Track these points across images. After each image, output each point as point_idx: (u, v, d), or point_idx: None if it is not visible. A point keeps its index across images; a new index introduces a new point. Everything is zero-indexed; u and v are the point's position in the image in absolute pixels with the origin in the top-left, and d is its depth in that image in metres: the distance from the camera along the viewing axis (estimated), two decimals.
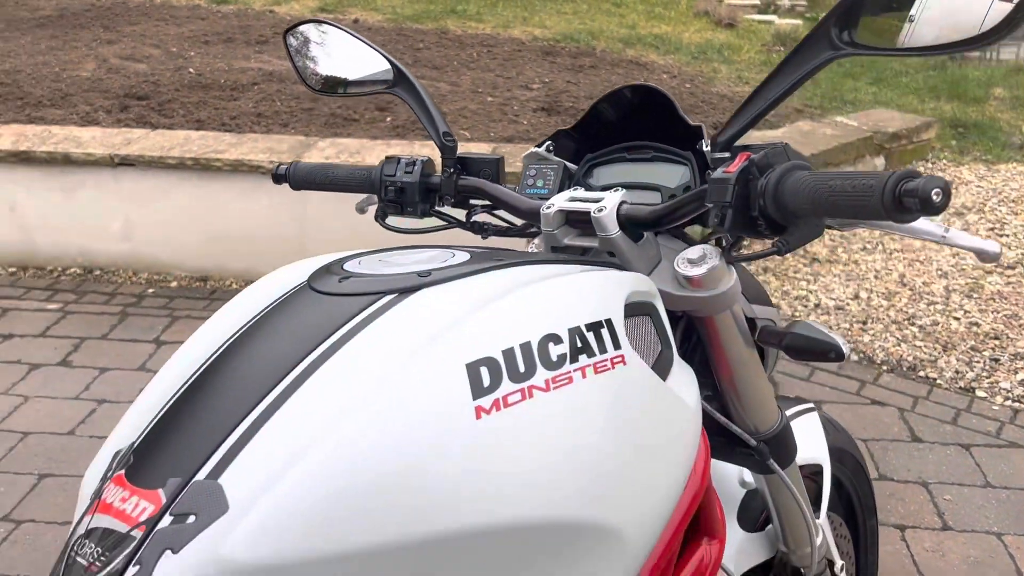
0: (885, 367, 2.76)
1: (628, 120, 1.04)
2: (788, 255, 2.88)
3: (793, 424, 1.29)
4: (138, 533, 0.58)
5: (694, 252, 0.89)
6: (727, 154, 0.84)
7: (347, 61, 1.14)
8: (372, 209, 1.15)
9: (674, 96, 1.00)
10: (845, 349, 0.97)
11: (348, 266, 0.77)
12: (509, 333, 0.65)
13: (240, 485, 0.57)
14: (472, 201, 1.09)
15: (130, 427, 0.69)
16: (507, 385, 0.63)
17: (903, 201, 0.64)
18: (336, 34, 1.13)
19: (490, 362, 0.63)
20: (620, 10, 6.95)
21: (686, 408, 0.79)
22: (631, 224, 0.89)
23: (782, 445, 1.07)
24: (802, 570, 1.24)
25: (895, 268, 3.40)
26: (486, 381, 0.63)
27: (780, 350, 1.11)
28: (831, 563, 1.30)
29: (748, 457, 1.07)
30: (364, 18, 5.93)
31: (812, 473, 1.28)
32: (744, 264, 1.08)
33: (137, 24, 5.51)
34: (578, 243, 0.93)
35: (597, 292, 0.73)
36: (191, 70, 4.50)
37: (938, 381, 2.69)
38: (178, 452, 0.62)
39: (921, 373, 2.73)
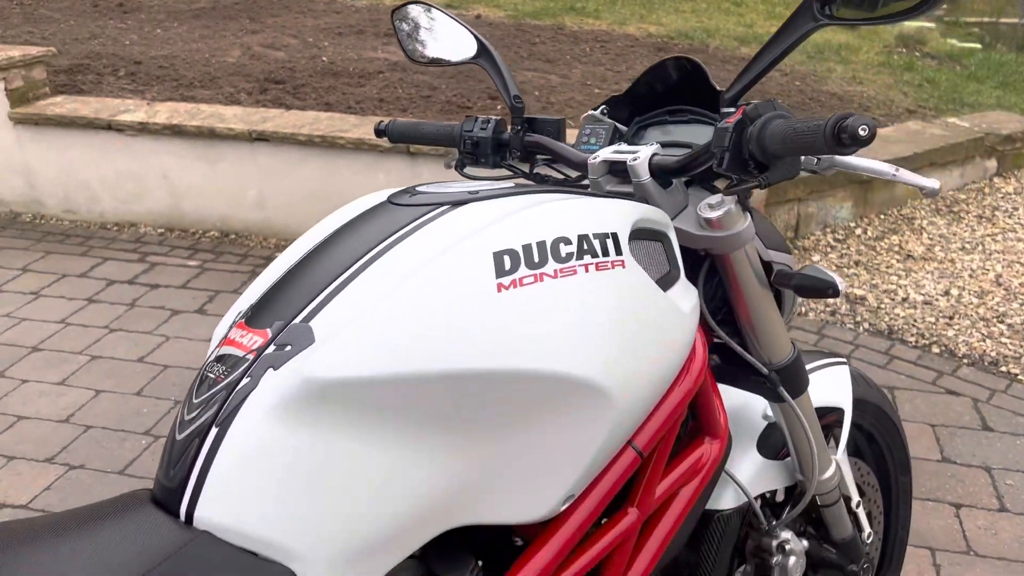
0: (966, 360, 2.80)
1: (671, 88, 1.22)
2: (877, 250, 2.90)
3: (820, 372, 1.44)
4: (250, 356, 0.82)
5: (714, 199, 1.07)
6: (732, 109, 1.02)
7: (441, 36, 1.36)
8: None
9: (707, 66, 1.18)
10: (841, 286, 1.12)
11: (420, 188, 0.99)
12: (529, 233, 0.86)
13: (324, 327, 0.80)
14: (537, 156, 1.30)
15: (249, 295, 0.94)
16: (523, 271, 0.84)
17: (840, 137, 0.81)
18: (434, 13, 1.35)
19: (511, 253, 0.84)
20: (739, 9, 6.98)
21: (681, 316, 0.97)
22: (660, 172, 1.08)
23: (792, 376, 1.23)
24: (817, 499, 1.39)
25: (992, 268, 3.39)
26: (507, 266, 0.83)
27: (796, 296, 1.28)
28: (847, 499, 1.43)
29: (761, 385, 1.24)
30: (486, 14, 6.21)
31: (833, 415, 1.41)
32: (762, 213, 1.24)
33: (279, 16, 5.97)
34: (618, 189, 1.12)
35: (608, 212, 0.93)
36: (324, 58, 4.88)
37: (1019, 376, 2.70)
38: (282, 305, 0.85)
39: (1003, 368, 2.75)
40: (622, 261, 0.91)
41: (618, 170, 1.11)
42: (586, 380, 0.85)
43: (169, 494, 0.79)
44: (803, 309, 3.10)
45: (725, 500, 1.31)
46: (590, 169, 1.13)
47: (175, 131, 3.66)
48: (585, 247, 0.88)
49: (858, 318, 3.06)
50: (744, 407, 1.38)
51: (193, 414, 0.81)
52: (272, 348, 0.81)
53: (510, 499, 0.86)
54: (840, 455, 1.40)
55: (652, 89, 1.24)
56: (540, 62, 4.97)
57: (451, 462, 0.82)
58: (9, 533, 0.75)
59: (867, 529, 1.48)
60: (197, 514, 0.76)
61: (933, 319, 3.05)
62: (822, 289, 1.13)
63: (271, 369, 0.79)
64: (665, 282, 0.99)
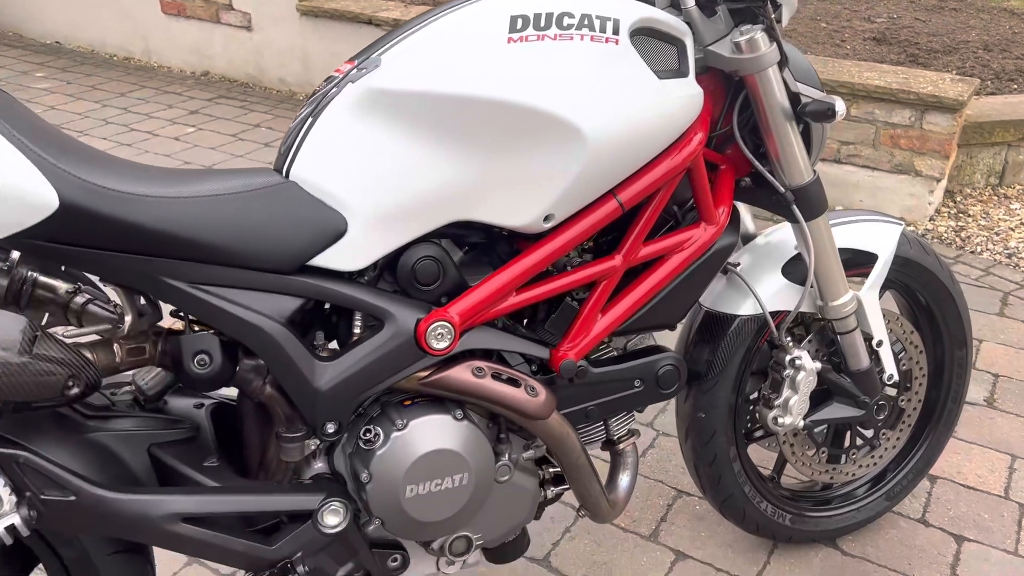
0: None
1: None
2: None
3: (868, 224, 1.59)
4: (339, 75, 1.18)
5: (745, 28, 1.30)
6: None
7: None
8: None
9: None
10: (839, 107, 1.31)
11: None
12: (543, 4, 1.14)
13: (389, 59, 1.15)
14: None
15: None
16: (530, 31, 1.14)
17: None
18: None
19: (524, 17, 1.14)
20: None
21: (670, 101, 1.22)
22: (699, 2, 1.30)
23: (807, 198, 1.42)
24: (833, 325, 1.55)
25: None
26: (518, 26, 1.14)
27: (825, 133, 1.45)
28: (868, 336, 1.58)
29: (778, 204, 1.43)
30: None
31: (866, 259, 1.56)
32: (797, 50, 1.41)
33: None
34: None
35: (616, 3, 1.18)
36: None
37: None
38: (373, 47, 1.20)
39: None
40: (616, 40, 1.17)
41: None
42: (563, 119, 1.14)
43: (280, 159, 1.18)
44: (978, 249, 3.03)
45: (743, 307, 1.53)
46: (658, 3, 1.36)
47: None
48: (586, 23, 1.16)
49: None
50: (780, 237, 1.57)
51: (301, 110, 1.20)
52: (354, 71, 1.17)
53: (500, 206, 1.18)
54: (864, 293, 1.55)
55: None
56: None
57: (458, 168, 1.15)
58: (166, 173, 1.16)
59: (889, 371, 1.61)
60: (291, 172, 1.15)
61: None
62: (824, 112, 1.32)
63: (350, 83, 1.15)
64: (666, 74, 1.23)
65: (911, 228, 1.65)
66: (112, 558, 1.18)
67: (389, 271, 1.22)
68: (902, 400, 1.73)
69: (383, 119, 1.13)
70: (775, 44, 1.32)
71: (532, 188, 1.18)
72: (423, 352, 1.19)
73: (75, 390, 1.02)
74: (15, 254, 1.07)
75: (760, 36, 1.29)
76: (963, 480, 1.98)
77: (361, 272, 1.20)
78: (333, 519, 1.20)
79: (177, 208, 1.07)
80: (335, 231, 1.14)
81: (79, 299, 1.12)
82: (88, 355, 1.06)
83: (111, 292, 1.14)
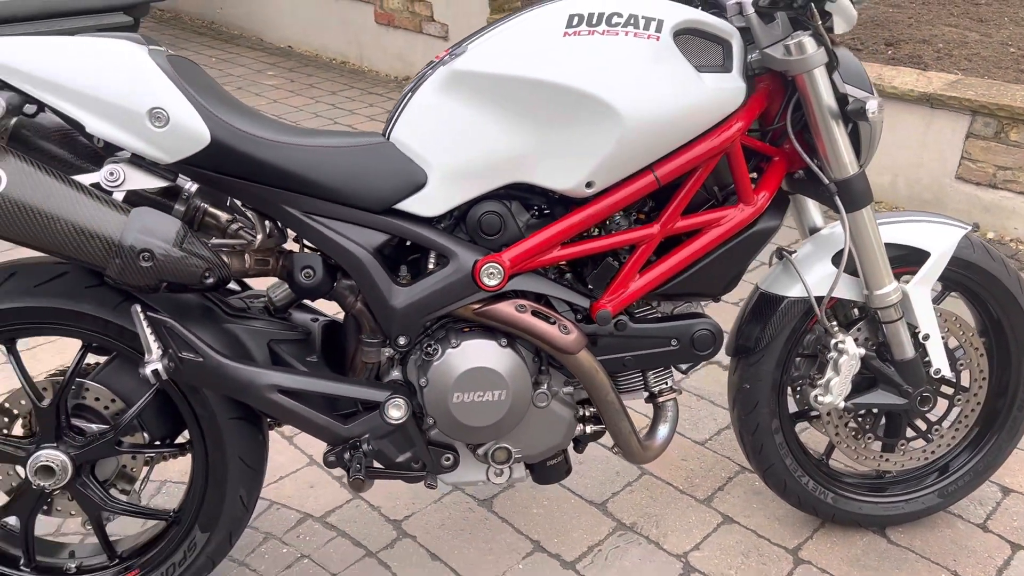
0: None
1: None
2: None
3: (921, 225, 1.69)
4: (436, 60, 1.48)
5: (796, 33, 1.47)
6: None
7: None
8: None
9: None
10: (869, 106, 1.45)
11: None
12: (598, 5, 1.39)
13: (471, 48, 1.43)
14: None
15: None
16: (583, 28, 1.39)
17: None
18: None
19: (579, 16, 1.39)
20: None
21: (708, 91, 1.42)
22: (762, 7, 1.49)
23: (851, 190, 1.55)
24: (878, 313, 1.66)
25: None
26: (574, 23, 1.39)
27: (876, 133, 1.58)
28: (916, 329, 1.67)
29: (823, 194, 1.58)
30: None
31: (917, 256, 1.65)
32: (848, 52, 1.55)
33: None
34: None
35: (662, 5, 1.40)
36: None
37: None
38: (461, 42, 1.49)
39: None
40: (658, 37, 1.39)
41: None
42: (602, 100, 1.38)
43: (386, 124, 1.50)
44: None
45: (792, 290, 1.68)
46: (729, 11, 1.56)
47: None
48: (631, 22, 1.39)
49: None
50: (839, 230, 1.69)
51: (407, 87, 1.51)
52: (447, 56, 1.47)
53: (550, 171, 1.43)
54: (912, 287, 1.65)
55: None
56: (971, 20, 4.82)
57: (516, 137, 1.41)
58: (295, 128, 1.51)
59: (937, 365, 1.69)
60: (391, 134, 1.46)
61: None
62: (858, 111, 1.47)
63: (442, 66, 1.45)
64: (707, 68, 1.43)
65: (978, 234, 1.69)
66: (232, 422, 1.54)
67: (461, 221, 1.50)
68: (958, 399, 1.79)
69: (462, 95, 1.42)
70: (823, 48, 1.47)
71: (575, 157, 1.42)
72: (477, 287, 1.46)
73: (210, 280, 1.38)
74: (192, 187, 1.45)
75: (807, 40, 1.46)
76: None
77: (438, 219, 1.49)
78: (396, 412, 1.49)
79: (298, 153, 1.41)
80: (417, 183, 1.44)
81: (233, 226, 1.48)
82: (224, 258, 1.42)
83: (252, 216, 1.50)
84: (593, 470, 2.07)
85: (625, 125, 1.40)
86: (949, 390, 1.79)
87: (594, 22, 1.40)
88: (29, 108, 1.38)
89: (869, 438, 1.79)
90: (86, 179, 1.35)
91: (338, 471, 2.01)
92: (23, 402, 1.54)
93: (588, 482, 2.03)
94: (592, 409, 1.63)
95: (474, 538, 1.87)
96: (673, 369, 1.69)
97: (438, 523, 1.91)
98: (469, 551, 1.84)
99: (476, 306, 1.48)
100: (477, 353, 1.49)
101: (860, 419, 1.79)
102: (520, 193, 1.49)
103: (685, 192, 1.50)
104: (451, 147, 1.43)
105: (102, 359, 1.57)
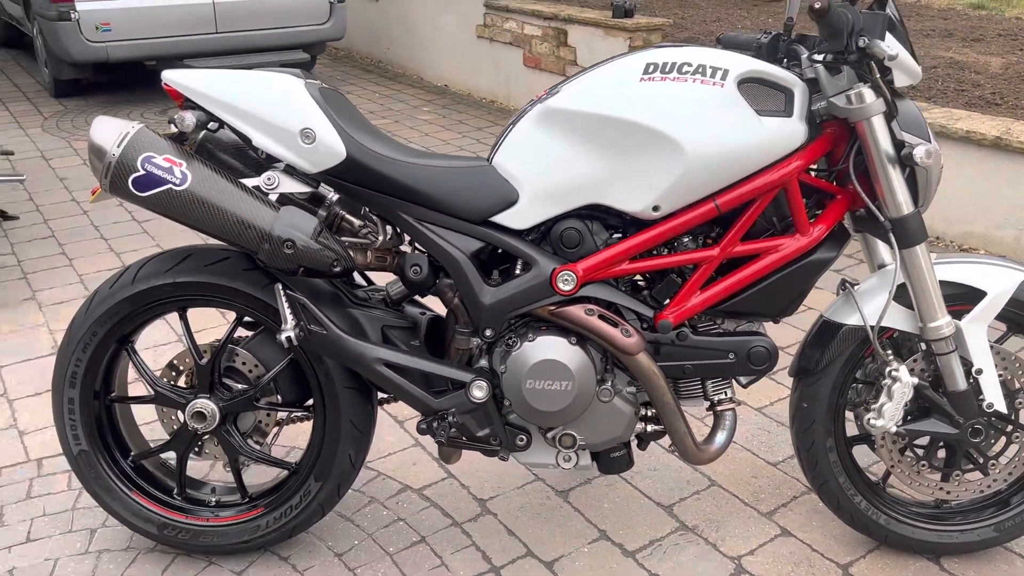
0: None
1: None
2: None
3: (981, 267, 1.80)
4: (536, 99, 1.75)
5: (857, 85, 1.66)
6: None
7: None
8: None
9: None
10: (916, 153, 1.60)
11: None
12: (673, 55, 1.62)
13: (564, 89, 1.70)
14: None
15: None
16: (657, 75, 1.63)
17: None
18: None
19: (655, 64, 1.63)
20: None
21: (766, 132, 1.62)
22: (825, 64, 1.68)
23: (905, 229, 1.70)
24: (932, 346, 1.77)
25: None
26: (650, 71, 1.63)
27: (934, 178, 1.72)
28: (969, 363, 1.77)
29: (880, 231, 1.73)
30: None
31: (974, 295, 1.76)
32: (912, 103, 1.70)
33: None
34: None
35: (729, 57, 1.62)
36: None
37: None
38: (557, 84, 1.76)
39: None
40: (722, 84, 1.61)
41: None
42: (668, 135, 1.61)
43: (491, 151, 1.78)
44: None
45: (850, 319, 1.83)
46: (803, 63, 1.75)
47: None
48: (699, 71, 1.62)
49: None
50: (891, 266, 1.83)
51: (510, 120, 1.79)
52: (545, 95, 1.74)
53: (622, 195, 1.67)
54: (967, 323, 1.76)
55: None
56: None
57: (594, 164, 1.66)
58: (417, 151, 1.83)
59: (989, 400, 1.78)
60: (493, 159, 1.75)
61: None
62: (909, 156, 1.62)
63: (539, 103, 1.73)
64: (768, 112, 1.63)
65: None
66: (347, 390, 1.84)
67: (546, 235, 1.76)
68: (1016, 436, 1.86)
69: (552, 128, 1.68)
70: (881, 99, 1.64)
71: (644, 184, 1.65)
72: (552, 291, 1.71)
73: (337, 268, 1.69)
74: (334, 197, 1.78)
75: (867, 91, 1.63)
76: None
77: (527, 232, 1.75)
78: (478, 392, 1.76)
79: (415, 170, 1.72)
80: (510, 200, 1.72)
81: (364, 230, 1.80)
82: (351, 253, 1.74)
83: (376, 220, 1.81)
84: (665, 476, 2.25)
85: (688, 158, 1.62)
86: (1007, 426, 1.87)
87: (667, 70, 1.63)
88: (212, 125, 1.76)
89: (924, 465, 1.89)
90: (250, 182, 1.71)
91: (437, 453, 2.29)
92: (188, 360, 1.91)
93: (659, 486, 2.21)
94: (653, 410, 1.84)
95: (548, 521, 2.10)
96: (734, 382, 1.87)
97: (518, 505, 2.15)
98: (541, 531, 2.06)
99: (552, 308, 1.73)
100: (549, 348, 1.73)
101: (915, 447, 1.89)
102: (597, 213, 1.73)
103: (744, 220, 1.69)
104: (541, 171, 1.70)
105: (249, 333, 1.93)
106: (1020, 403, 1.85)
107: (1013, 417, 1.86)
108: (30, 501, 2.18)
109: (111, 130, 1.66)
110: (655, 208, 1.67)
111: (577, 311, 1.72)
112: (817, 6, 1.45)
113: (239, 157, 1.81)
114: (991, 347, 1.82)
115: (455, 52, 6.77)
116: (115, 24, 5.91)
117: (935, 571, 1.94)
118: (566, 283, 1.71)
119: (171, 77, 1.73)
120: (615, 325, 1.71)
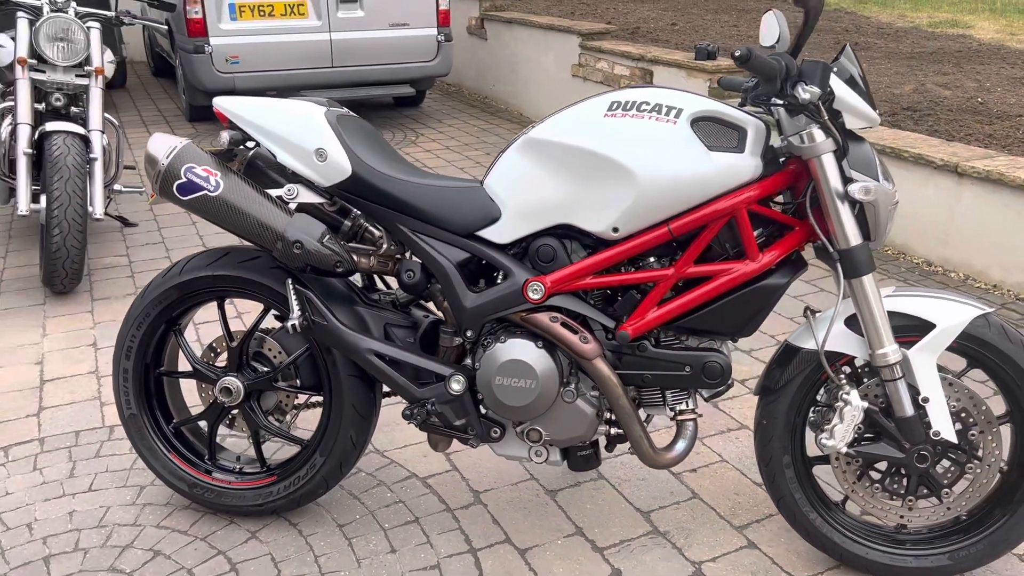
0: None
1: None
2: None
3: (934, 301, 1.90)
4: (522, 131, 2.00)
5: (810, 125, 1.82)
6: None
7: None
8: None
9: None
10: (852, 189, 1.74)
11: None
12: (635, 96, 1.83)
13: (540, 123, 1.93)
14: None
15: None
16: (619, 111, 1.84)
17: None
18: None
19: (618, 102, 1.84)
20: None
21: (715, 166, 1.79)
22: (785, 106, 1.84)
23: (852, 260, 1.83)
24: (881, 372, 1.88)
25: None
26: (613, 108, 1.84)
27: (884, 214, 1.84)
28: (916, 390, 1.86)
29: (830, 260, 1.86)
30: None
31: (923, 326, 1.85)
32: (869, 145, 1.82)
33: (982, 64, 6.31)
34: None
35: (683, 97, 1.81)
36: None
37: None
38: (540, 119, 1.99)
39: None
40: (675, 121, 1.80)
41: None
42: (624, 165, 1.81)
43: (484, 173, 2.03)
44: None
45: (807, 344, 1.96)
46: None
47: None
48: (655, 109, 1.81)
49: None
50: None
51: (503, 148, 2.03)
52: (529, 127, 1.98)
53: (586, 216, 1.88)
54: (914, 353, 1.85)
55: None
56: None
57: (563, 188, 1.88)
58: (416, 170, 2.09)
59: (936, 427, 1.86)
60: (484, 181, 1.99)
61: None
62: (855, 192, 1.75)
63: (523, 134, 1.96)
64: (719, 148, 1.81)
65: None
66: (350, 378, 2.11)
67: (525, 250, 1.98)
68: (969, 467, 1.92)
69: (530, 156, 1.91)
70: (831, 139, 1.79)
71: (604, 207, 1.85)
72: (523, 299, 1.93)
73: (340, 269, 1.97)
74: (357, 212, 2.06)
75: (816, 131, 1.78)
76: None
77: (509, 247, 1.98)
78: (456, 386, 1.99)
79: (412, 188, 1.98)
80: (493, 217, 1.95)
81: (382, 242, 2.08)
82: (353, 256, 2.01)
83: (381, 230, 2.08)
84: (651, 486, 2.40)
85: (641, 186, 1.81)
86: (962, 456, 1.93)
87: (628, 107, 1.83)
88: (250, 143, 2.08)
89: (878, 489, 1.97)
90: (273, 192, 2.02)
91: (450, 448, 2.53)
92: (224, 344, 2.23)
93: (643, 494, 2.37)
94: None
95: (531, 515, 2.29)
96: (697, 395, 2.02)
97: (508, 499, 2.35)
98: (523, 523, 2.25)
99: (523, 314, 1.94)
100: (517, 349, 1.94)
101: (874, 471, 1.98)
102: (571, 233, 1.94)
103: (696, 244, 1.86)
104: (520, 192, 1.93)
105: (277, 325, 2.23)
106: (973, 435, 1.92)
107: (967, 448, 1.93)
108: (98, 459, 2.56)
109: (163, 144, 2.00)
110: (615, 229, 1.87)
111: (543, 318, 1.93)
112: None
113: (279, 172, 2.13)
114: (946, 379, 1.90)
115: (552, 89, 7.07)
116: (243, 57, 6.53)
117: None
118: (535, 292, 1.92)
119: (220, 103, 2.07)
120: (575, 332, 1.91)
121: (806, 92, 1.71)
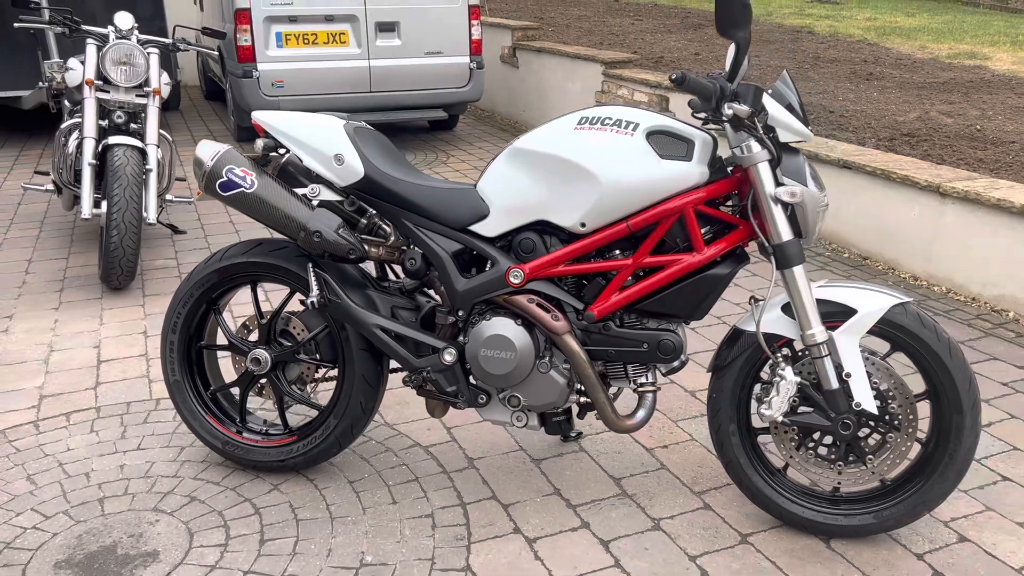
0: None
1: None
2: None
3: (858, 291, 2.21)
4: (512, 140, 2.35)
5: (748, 139, 2.15)
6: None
7: None
8: None
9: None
10: (779, 192, 2.06)
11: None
12: (600, 113, 2.17)
13: (526, 134, 2.28)
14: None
15: None
16: (587, 125, 2.19)
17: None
18: None
19: (587, 119, 2.19)
20: None
21: (667, 172, 2.12)
22: (731, 124, 2.17)
23: (783, 253, 2.14)
24: (809, 350, 2.18)
25: None
26: (583, 123, 2.19)
27: (813, 216, 2.15)
28: (841, 367, 2.16)
29: (767, 253, 2.17)
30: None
31: (846, 312, 2.15)
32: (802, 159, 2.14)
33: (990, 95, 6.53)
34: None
35: (639, 114, 2.15)
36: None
37: None
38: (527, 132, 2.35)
39: None
40: (632, 134, 2.14)
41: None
42: (589, 170, 2.15)
43: (479, 177, 2.39)
44: None
45: (749, 326, 2.27)
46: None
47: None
48: (616, 123, 2.16)
49: None
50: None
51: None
52: (516, 139, 2.33)
53: (558, 213, 2.23)
54: (838, 335, 2.16)
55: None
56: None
57: (539, 189, 2.23)
58: (420, 173, 2.46)
59: (857, 399, 2.15)
60: (477, 184, 2.35)
61: None
62: (781, 195, 2.07)
63: (511, 144, 2.32)
64: (669, 157, 2.14)
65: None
66: (360, 351, 2.46)
67: (510, 243, 2.32)
68: (889, 436, 2.21)
69: (514, 162, 2.27)
70: (766, 150, 2.11)
71: (572, 205, 2.19)
72: (505, 283, 2.27)
73: (352, 256, 2.33)
74: (373, 211, 2.43)
75: (753, 143, 2.11)
76: (987, 547, 2.26)
77: (497, 240, 2.33)
78: (448, 357, 2.33)
79: (415, 188, 2.34)
80: (483, 214, 2.31)
81: (391, 237, 2.44)
82: (365, 246, 2.38)
83: (389, 225, 2.44)
84: (626, 458, 2.71)
85: (603, 187, 2.15)
86: (883, 427, 2.22)
87: (593, 122, 2.18)
88: (281, 150, 2.47)
89: (811, 455, 2.27)
90: (299, 190, 2.40)
91: (451, 423, 2.87)
92: (255, 322, 2.61)
93: (617, 464, 2.68)
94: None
95: (516, 478, 2.61)
96: (656, 370, 2.34)
97: (498, 465, 2.68)
98: (509, 484, 2.58)
99: (505, 296, 2.29)
100: (500, 326, 2.29)
101: (810, 441, 2.28)
102: (547, 227, 2.28)
103: (651, 238, 2.19)
104: (504, 193, 2.28)
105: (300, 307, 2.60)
106: (893, 408, 2.20)
107: (887, 419, 2.21)
108: (145, 424, 2.94)
109: (209, 149, 2.39)
110: (583, 224, 2.21)
111: (521, 299, 2.27)
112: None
113: (305, 175, 2.51)
114: (868, 359, 2.20)
115: None
116: (288, 82, 7.02)
117: (821, 546, 2.29)
118: (515, 278, 2.26)
119: (257, 116, 2.46)
120: (548, 311, 2.25)
121: (731, 109, 2.03)
